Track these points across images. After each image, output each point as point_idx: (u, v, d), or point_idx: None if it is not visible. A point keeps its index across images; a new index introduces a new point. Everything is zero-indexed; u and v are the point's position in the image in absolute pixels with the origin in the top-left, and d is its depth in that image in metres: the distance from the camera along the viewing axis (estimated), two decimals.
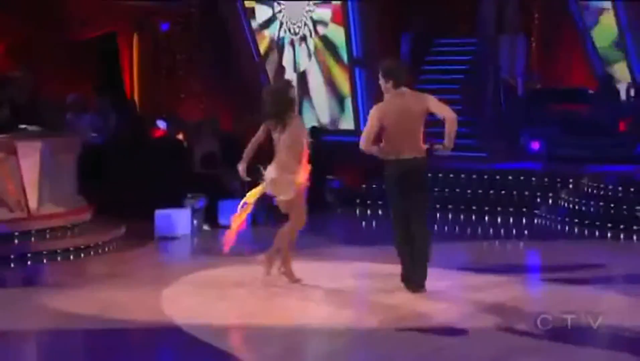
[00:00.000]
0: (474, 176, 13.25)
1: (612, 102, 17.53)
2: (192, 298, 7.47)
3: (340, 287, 7.83)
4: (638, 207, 11.18)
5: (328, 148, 13.91)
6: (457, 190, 13.11)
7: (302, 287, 7.76)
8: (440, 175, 13.44)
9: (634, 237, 10.83)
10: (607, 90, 17.94)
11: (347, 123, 14.81)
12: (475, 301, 7.27)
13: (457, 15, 17.64)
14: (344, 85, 14.68)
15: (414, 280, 7.40)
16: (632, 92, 17.90)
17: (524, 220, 12.14)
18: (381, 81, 7.60)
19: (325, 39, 14.84)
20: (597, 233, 11.12)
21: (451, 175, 13.46)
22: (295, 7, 15.03)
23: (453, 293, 7.64)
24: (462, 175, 13.37)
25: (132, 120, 13.81)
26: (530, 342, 6.20)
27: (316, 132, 14.32)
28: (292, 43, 15.17)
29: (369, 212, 13.38)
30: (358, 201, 13.69)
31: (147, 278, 8.28)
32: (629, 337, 6.31)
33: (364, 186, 13.88)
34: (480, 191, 13.13)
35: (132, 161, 11.39)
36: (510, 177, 13.18)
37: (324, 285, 7.83)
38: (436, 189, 13.07)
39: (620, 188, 11.61)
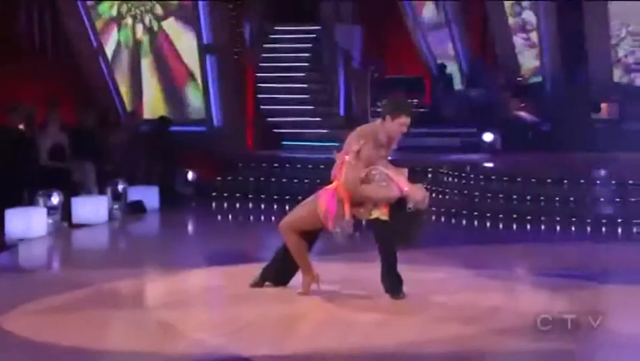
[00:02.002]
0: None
1: (448, 92, 17.93)
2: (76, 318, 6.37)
3: None
4: (502, 196, 11.35)
5: (178, 139, 13.23)
6: (318, 181, 12.74)
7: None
8: (298, 166, 13.10)
9: (500, 225, 10.99)
10: (442, 80, 18.34)
11: (197, 112, 14.09)
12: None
13: (296, 1, 17.31)
14: (193, 73, 13.94)
15: None
16: (464, 82, 18.43)
17: None
18: None
19: (171, 24, 14.00)
20: (464, 222, 11.20)
21: (309, 167, 13.13)
22: None
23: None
24: (322, 167, 13.05)
25: None
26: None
27: (165, 122, 13.54)
28: (134, 27, 14.19)
29: (225, 205, 12.85)
30: (214, 194, 13.09)
31: (17, 296, 7.17)
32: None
33: (219, 178, 13.29)
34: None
35: None
36: None
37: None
38: (295, 180, 12.75)
39: (482, 177, 11.73)
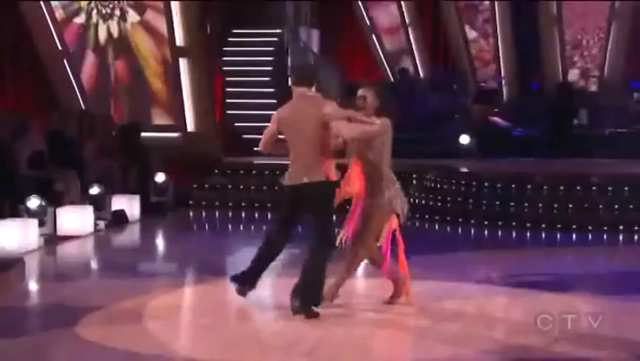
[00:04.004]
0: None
1: (410, 96, 17.80)
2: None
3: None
4: (497, 202, 11.21)
5: (151, 145, 12.70)
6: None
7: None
8: (264, 172, 12.66)
9: (485, 232, 10.87)
10: (405, 84, 18.20)
11: (169, 118, 13.52)
12: None
13: (255, 4, 16.91)
14: (163, 76, 13.36)
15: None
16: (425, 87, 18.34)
17: None
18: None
19: (142, 26, 13.39)
20: (448, 228, 11.04)
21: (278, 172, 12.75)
22: None
23: None
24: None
25: None
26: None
27: (135, 127, 12.97)
28: (101, 27, 13.54)
29: (203, 213, 12.41)
30: (191, 202, 12.64)
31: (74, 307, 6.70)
32: None
33: (195, 186, 12.83)
34: None
35: None
36: None
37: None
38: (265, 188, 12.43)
39: (474, 183, 11.58)
